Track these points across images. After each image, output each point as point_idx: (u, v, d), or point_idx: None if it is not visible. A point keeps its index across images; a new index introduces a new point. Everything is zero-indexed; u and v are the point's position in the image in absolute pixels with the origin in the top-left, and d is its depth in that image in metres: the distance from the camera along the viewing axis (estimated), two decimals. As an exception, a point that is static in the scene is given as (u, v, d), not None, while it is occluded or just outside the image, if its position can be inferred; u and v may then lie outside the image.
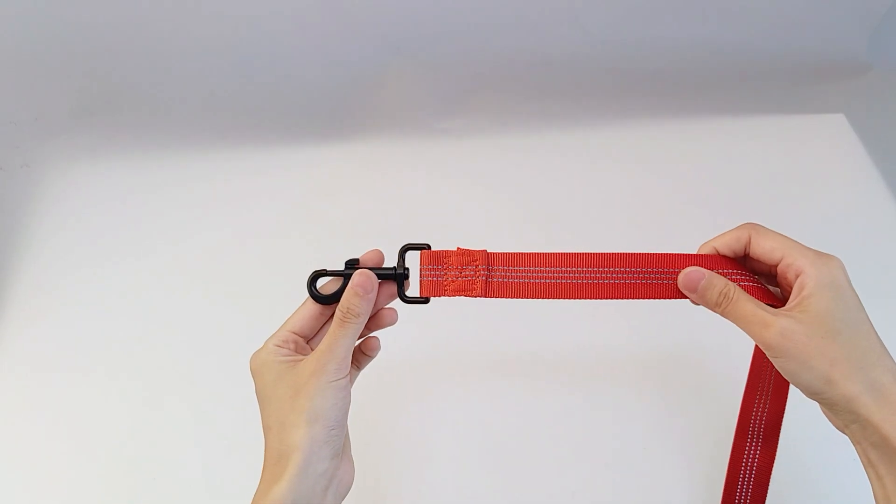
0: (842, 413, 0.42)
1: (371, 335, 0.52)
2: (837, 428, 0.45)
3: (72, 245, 0.89)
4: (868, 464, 0.42)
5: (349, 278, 0.48)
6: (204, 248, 0.88)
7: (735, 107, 1.01)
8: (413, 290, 0.50)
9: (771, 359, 0.43)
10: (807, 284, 0.43)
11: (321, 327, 0.51)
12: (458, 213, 0.91)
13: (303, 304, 0.50)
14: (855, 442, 0.43)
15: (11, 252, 0.88)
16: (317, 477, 0.44)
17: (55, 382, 0.77)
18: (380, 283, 0.48)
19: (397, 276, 0.49)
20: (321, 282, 0.50)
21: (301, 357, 0.47)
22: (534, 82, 0.98)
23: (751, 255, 0.47)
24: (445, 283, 0.49)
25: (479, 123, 1.00)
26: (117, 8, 0.82)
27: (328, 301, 0.49)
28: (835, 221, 0.89)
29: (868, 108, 1.01)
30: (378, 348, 0.52)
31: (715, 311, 0.46)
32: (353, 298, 0.47)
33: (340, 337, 0.46)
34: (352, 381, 0.50)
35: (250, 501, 0.44)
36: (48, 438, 0.73)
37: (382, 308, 0.51)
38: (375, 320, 0.51)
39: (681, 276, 0.46)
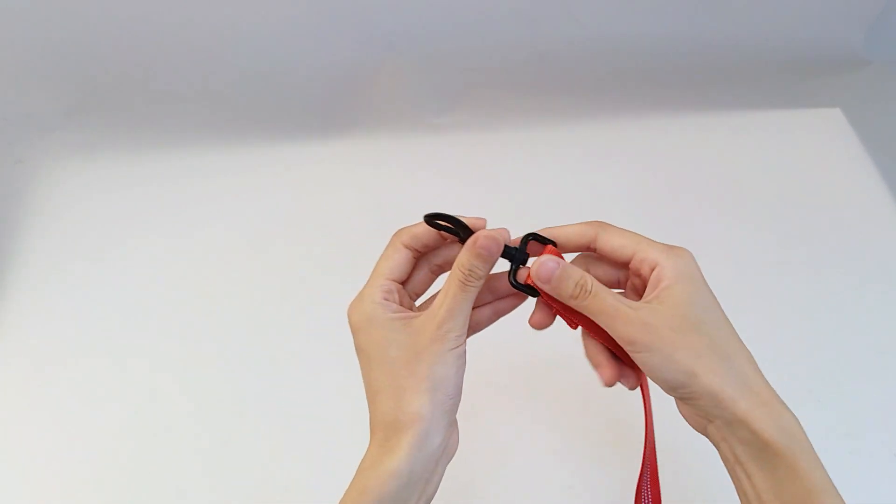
0: (705, 408, 0.40)
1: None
2: (695, 427, 0.43)
3: (65, 242, 0.89)
4: (734, 462, 0.40)
5: (463, 236, 0.44)
6: (198, 246, 0.88)
7: (731, 101, 1.01)
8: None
9: (632, 354, 0.41)
10: (664, 276, 0.41)
11: (412, 274, 0.46)
12: (454, 210, 0.90)
13: (392, 247, 0.45)
14: (718, 440, 0.41)
15: (4, 249, 0.88)
16: (434, 448, 0.41)
17: (52, 379, 0.77)
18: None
19: (515, 259, 0.44)
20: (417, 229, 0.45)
21: (411, 313, 0.44)
22: (530, 77, 0.98)
23: (598, 252, 0.44)
24: None
25: (475, 119, 1.00)
26: (111, 5, 0.82)
27: (457, 234, 0.45)
28: (831, 216, 0.90)
29: (865, 102, 1.02)
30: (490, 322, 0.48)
31: (569, 304, 0.42)
32: (475, 259, 0.42)
33: (462, 301, 0.42)
34: None
35: (357, 469, 0.41)
36: (41, 437, 0.73)
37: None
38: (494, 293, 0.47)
39: (534, 266, 0.43)
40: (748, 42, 0.97)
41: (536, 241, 0.45)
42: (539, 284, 0.43)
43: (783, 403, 0.40)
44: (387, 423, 0.41)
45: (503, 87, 0.99)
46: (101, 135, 0.95)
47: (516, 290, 0.45)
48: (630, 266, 0.43)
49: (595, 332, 0.44)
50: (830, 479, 0.39)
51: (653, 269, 0.42)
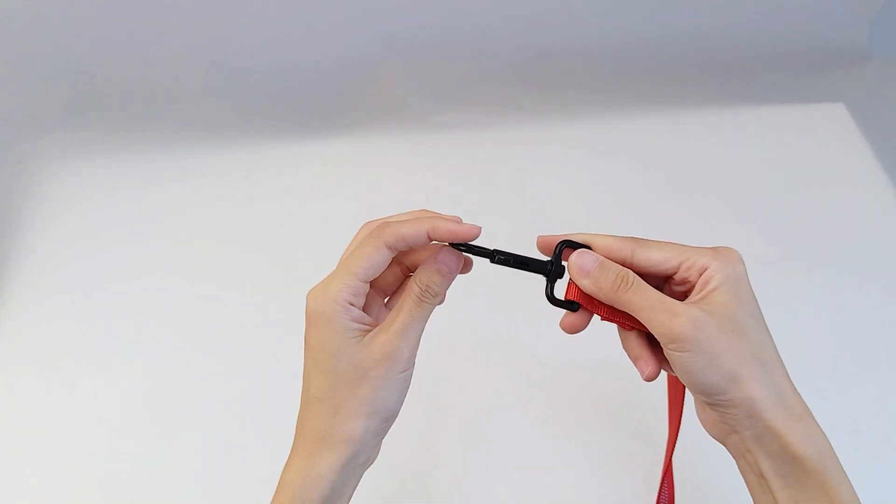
0: (737, 418, 0.38)
1: None
2: (715, 435, 0.41)
3: (65, 242, 0.89)
4: (757, 475, 0.39)
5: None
6: (198, 245, 0.88)
7: (733, 97, 1.01)
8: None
9: (673, 353, 0.38)
10: (713, 278, 0.39)
11: (382, 276, 0.44)
12: (456, 208, 0.90)
13: (373, 245, 0.41)
14: (740, 452, 0.40)
15: (5, 249, 0.88)
16: (361, 463, 0.42)
17: (51, 379, 0.77)
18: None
19: (550, 273, 0.42)
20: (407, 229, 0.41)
21: (367, 325, 0.42)
22: (531, 74, 0.98)
23: (636, 268, 0.42)
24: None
25: (478, 116, 1.00)
26: (109, 4, 0.82)
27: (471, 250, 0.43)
28: (834, 211, 0.90)
29: (868, 97, 1.01)
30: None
31: (610, 298, 0.40)
32: (434, 276, 0.41)
33: (417, 318, 0.41)
34: None
35: (281, 477, 0.42)
36: (37, 436, 0.73)
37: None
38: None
39: (573, 258, 0.41)
40: (750, 37, 0.97)
41: (570, 248, 0.43)
42: (578, 278, 0.41)
43: (814, 419, 0.39)
44: (317, 438, 0.41)
45: (504, 85, 0.98)
46: (101, 134, 0.95)
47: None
48: (675, 277, 0.41)
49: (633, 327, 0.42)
50: (859, 499, 0.38)
51: (701, 274, 0.40)
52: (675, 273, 0.41)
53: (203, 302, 0.83)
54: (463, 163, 0.96)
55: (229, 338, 0.79)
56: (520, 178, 0.94)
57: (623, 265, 0.42)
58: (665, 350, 0.39)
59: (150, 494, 0.69)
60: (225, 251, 0.88)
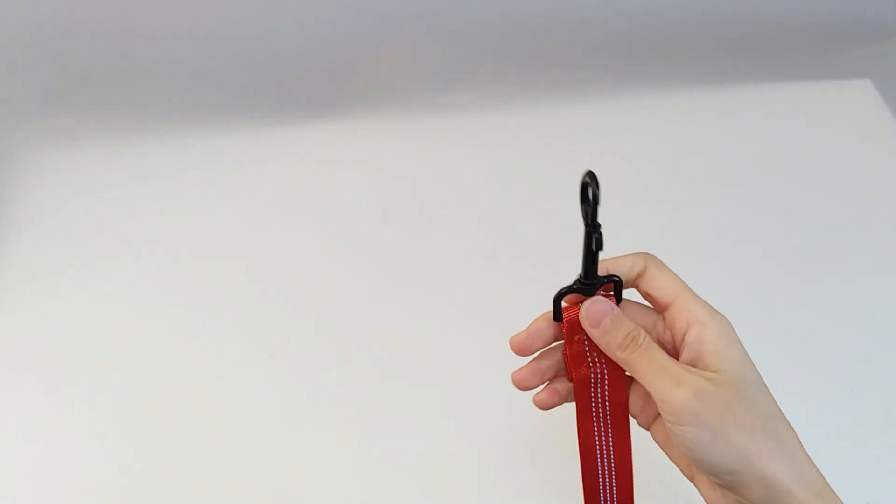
0: (752, 499, 0.36)
1: None
2: None
3: (47, 234, 0.87)
4: None
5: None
6: (190, 235, 0.87)
7: (755, 74, 0.99)
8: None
9: (674, 426, 0.37)
10: (707, 339, 0.39)
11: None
12: (461, 192, 0.90)
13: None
14: None
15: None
16: None
17: (36, 377, 0.76)
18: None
19: (587, 287, 0.43)
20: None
21: None
22: (540, 52, 0.96)
23: (641, 288, 0.43)
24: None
25: (482, 97, 0.98)
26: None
27: None
28: (861, 190, 0.88)
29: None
30: None
31: (616, 356, 0.40)
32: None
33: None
34: None
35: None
36: (26, 436, 0.72)
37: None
38: None
39: (586, 305, 0.41)
40: (773, 11, 0.95)
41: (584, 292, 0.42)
42: (588, 327, 0.41)
43: (835, 493, 0.37)
44: None
45: (510, 63, 0.97)
46: (84, 120, 0.94)
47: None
48: (665, 314, 0.42)
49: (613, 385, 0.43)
50: None
51: (690, 325, 0.40)
52: (667, 307, 0.41)
53: (198, 293, 0.82)
54: (467, 145, 0.95)
55: (227, 330, 0.78)
56: (526, 161, 0.93)
57: (633, 285, 0.43)
58: (667, 425, 0.38)
59: (147, 495, 0.68)
60: (220, 240, 0.86)
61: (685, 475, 0.43)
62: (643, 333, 0.40)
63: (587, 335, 0.42)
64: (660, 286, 0.42)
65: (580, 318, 0.41)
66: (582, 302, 0.42)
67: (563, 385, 0.45)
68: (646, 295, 0.43)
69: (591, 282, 0.41)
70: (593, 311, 0.41)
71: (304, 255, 0.85)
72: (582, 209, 0.40)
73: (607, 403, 0.44)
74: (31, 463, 0.70)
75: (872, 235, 0.84)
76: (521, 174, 0.92)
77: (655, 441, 0.44)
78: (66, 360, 0.77)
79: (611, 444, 0.45)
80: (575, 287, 0.42)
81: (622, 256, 0.43)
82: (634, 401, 0.45)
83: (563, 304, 0.43)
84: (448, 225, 0.87)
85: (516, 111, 0.98)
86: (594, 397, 0.44)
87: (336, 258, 0.84)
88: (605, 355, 0.42)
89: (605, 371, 0.43)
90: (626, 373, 0.43)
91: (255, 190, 0.92)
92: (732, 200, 0.88)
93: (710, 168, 0.91)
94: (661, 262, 0.43)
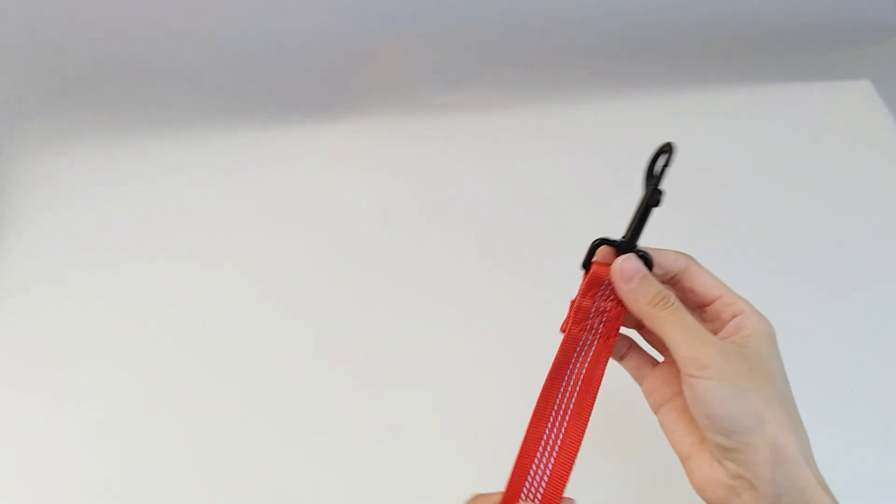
0: (756, 467, 0.36)
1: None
2: (714, 500, 0.39)
3: (47, 234, 0.88)
4: None
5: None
6: (190, 235, 0.87)
7: (753, 74, 0.99)
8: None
9: (697, 380, 0.38)
10: (746, 325, 0.40)
11: None
12: (460, 192, 0.90)
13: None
14: None
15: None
16: None
17: (31, 374, 0.76)
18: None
19: (622, 244, 0.45)
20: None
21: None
22: (540, 52, 0.96)
23: (685, 283, 0.44)
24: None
25: (481, 97, 0.98)
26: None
27: None
28: (860, 191, 0.88)
29: (895, 74, 0.99)
30: None
31: (642, 312, 0.42)
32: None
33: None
34: None
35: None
36: (21, 437, 0.72)
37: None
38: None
39: (619, 261, 0.42)
40: (773, 11, 0.95)
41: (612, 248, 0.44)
42: (618, 282, 0.42)
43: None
44: None
45: (509, 63, 0.97)
46: (83, 121, 0.94)
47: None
48: (709, 308, 0.43)
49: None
50: None
51: (735, 316, 0.41)
52: (710, 304, 0.43)
53: (197, 295, 0.82)
54: (467, 146, 0.95)
55: (225, 332, 0.79)
56: (526, 161, 0.93)
57: (671, 281, 0.44)
58: (686, 380, 0.38)
59: (145, 495, 0.68)
60: (218, 241, 0.86)
61: (682, 456, 0.42)
62: (674, 296, 0.41)
63: (600, 299, 0.44)
64: (705, 283, 0.43)
65: (612, 270, 0.43)
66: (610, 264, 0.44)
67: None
68: (689, 290, 0.44)
69: (632, 244, 0.43)
70: (627, 266, 0.42)
71: (303, 255, 0.85)
72: (652, 170, 0.45)
73: (581, 375, 0.45)
74: (31, 463, 0.70)
75: (872, 236, 0.84)
76: (521, 175, 0.92)
77: (662, 426, 0.45)
78: (65, 359, 0.77)
79: (567, 416, 0.45)
80: (615, 242, 0.44)
81: (665, 249, 0.44)
82: (651, 381, 0.46)
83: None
84: (447, 225, 0.87)
85: (516, 111, 0.98)
86: (574, 362, 0.45)
87: (335, 258, 0.84)
88: (602, 332, 0.44)
89: (596, 344, 0.45)
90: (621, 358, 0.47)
91: (255, 190, 0.92)
92: (731, 201, 0.88)
93: (709, 168, 0.91)
94: (698, 263, 0.44)
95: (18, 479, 0.69)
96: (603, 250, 0.44)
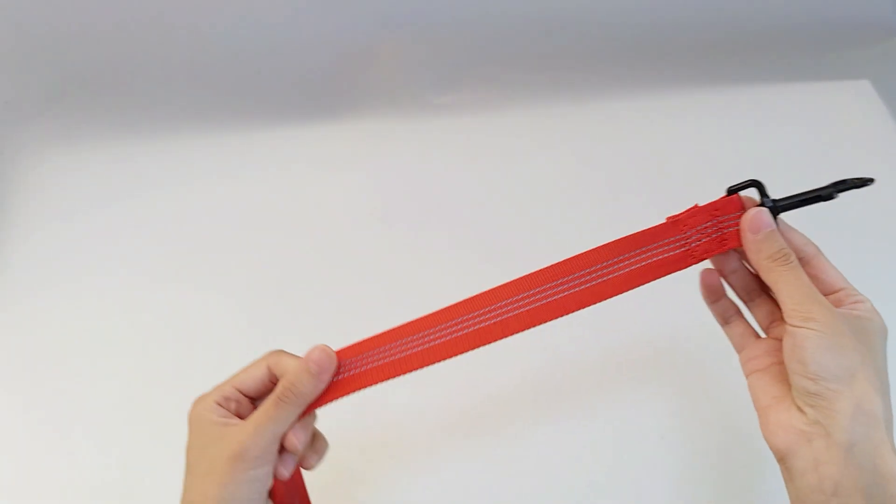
0: (836, 417, 0.37)
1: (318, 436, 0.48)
2: (782, 445, 0.39)
3: (47, 234, 0.88)
4: (828, 494, 0.37)
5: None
6: (189, 236, 0.87)
7: (755, 74, 0.99)
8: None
9: (801, 329, 0.39)
10: (864, 311, 0.42)
11: (267, 393, 0.45)
12: (459, 192, 0.90)
13: (257, 362, 0.45)
14: (815, 465, 0.38)
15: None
16: None
17: (31, 375, 0.76)
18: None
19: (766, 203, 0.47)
20: None
21: (234, 421, 0.43)
22: (538, 53, 0.96)
23: (810, 272, 0.44)
24: None
25: (480, 98, 0.98)
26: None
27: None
28: (860, 191, 0.87)
29: (895, 73, 0.99)
30: (324, 450, 0.48)
31: (761, 264, 0.43)
32: (303, 375, 0.42)
33: (273, 419, 0.41)
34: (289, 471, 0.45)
35: None
36: (20, 436, 0.72)
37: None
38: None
39: (752, 211, 0.44)
40: (772, 12, 0.95)
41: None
42: (745, 229, 0.44)
43: None
44: None
45: (508, 64, 0.97)
46: (85, 122, 0.94)
47: None
48: (830, 297, 0.43)
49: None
50: None
51: (856, 303, 0.43)
52: (832, 294, 0.44)
53: (194, 296, 0.82)
54: (466, 146, 0.95)
55: (220, 332, 0.79)
56: (525, 162, 0.93)
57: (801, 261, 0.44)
58: (789, 329, 0.40)
59: (144, 496, 0.68)
60: (217, 241, 0.87)
61: (760, 406, 0.43)
62: (794, 255, 0.43)
63: (712, 226, 0.46)
64: (832, 274, 0.45)
65: (744, 218, 0.44)
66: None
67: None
68: (813, 277, 0.44)
69: (777, 207, 0.45)
70: (758, 218, 0.44)
71: (301, 255, 0.85)
72: (849, 182, 0.48)
73: (640, 264, 0.46)
74: (31, 463, 0.70)
75: (872, 236, 0.84)
76: (520, 175, 0.92)
77: (750, 386, 0.45)
78: (65, 359, 0.77)
79: (597, 280, 0.46)
80: (766, 196, 0.46)
81: (797, 230, 0.46)
82: (752, 350, 0.47)
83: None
84: (447, 225, 0.87)
85: (515, 112, 0.98)
86: (645, 248, 0.47)
87: (334, 259, 0.84)
88: (688, 250, 0.46)
89: (675, 253, 0.46)
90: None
91: (254, 190, 0.92)
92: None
93: (708, 168, 0.91)
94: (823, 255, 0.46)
95: (18, 480, 0.69)
96: (750, 194, 0.46)
